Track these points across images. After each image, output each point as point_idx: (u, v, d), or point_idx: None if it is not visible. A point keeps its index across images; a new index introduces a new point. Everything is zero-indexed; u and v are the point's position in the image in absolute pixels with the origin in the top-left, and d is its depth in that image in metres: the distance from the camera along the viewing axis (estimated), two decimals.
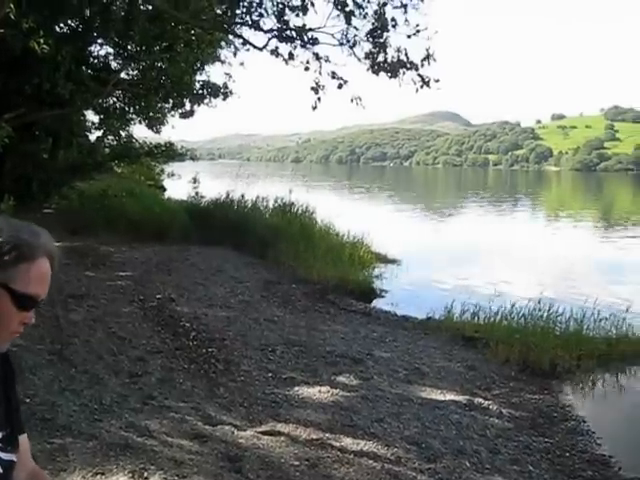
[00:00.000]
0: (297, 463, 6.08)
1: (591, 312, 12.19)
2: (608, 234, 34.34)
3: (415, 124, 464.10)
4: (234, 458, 6.05)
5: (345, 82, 11.28)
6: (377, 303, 15.14)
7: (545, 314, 12.00)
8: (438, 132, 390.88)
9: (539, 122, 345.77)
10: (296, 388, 8.20)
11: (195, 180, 24.83)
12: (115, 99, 24.00)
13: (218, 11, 13.65)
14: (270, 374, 8.68)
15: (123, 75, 21.28)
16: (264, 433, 6.70)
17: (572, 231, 35.37)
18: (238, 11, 13.11)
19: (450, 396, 8.53)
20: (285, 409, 7.47)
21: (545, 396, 9.23)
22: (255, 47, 12.70)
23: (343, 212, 23.62)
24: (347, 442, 6.68)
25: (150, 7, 15.12)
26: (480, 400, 8.53)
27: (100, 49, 21.22)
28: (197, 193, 24.10)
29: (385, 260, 20.46)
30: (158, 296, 12.32)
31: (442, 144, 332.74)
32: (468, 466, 6.51)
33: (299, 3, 11.42)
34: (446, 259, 22.80)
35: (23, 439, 2.23)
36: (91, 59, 20.99)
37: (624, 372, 10.81)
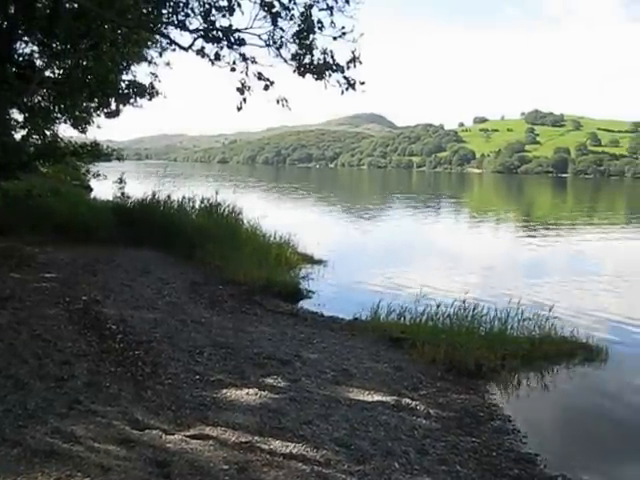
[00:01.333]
0: (226, 467, 6.03)
1: (515, 312, 12.43)
2: (530, 235, 35.08)
3: (340, 126, 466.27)
4: (162, 463, 5.96)
5: (271, 83, 11.25)
6: (304, 304, 15.14)
7: (470, 314, 12.20)
8: (363, 134, 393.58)
9: (462, 125, 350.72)
10: (224, 390, 8.14)
11: (121, 180, 24.46)
12: (40, 98, 23.44)
13: (144, 10, 13.46)
14: (198, 376, 8.59)
15: (48, 73, 20.79)
16: (193, 437, 6.63)
17: (495, 232, 36.08)
18: (164, 10, 12.98)
19: (378, 397, 8.58)
20: (213, 412, 7.40)
21: (471, 396, 9.38)
22: (181, 47, 12.58)
23: (269, 213, 23.55)
24: (276, 445, 6.66)
25: (75, 5, 14.84)
26: (407, 400, 8.60)
27: (24, 47, 20.72)
28: (123, 193, 23.74)
29: (312, 261, 20.51)
30: (84, 298, 12.08)
31: (367, 146, 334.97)
32: (397, 467, 6.55)
33: (225, 4, 11.37)
34: (372, 259, 22.98)
35: None
36: (15, 57, 20.48)
37: (548, 371, 11.06)
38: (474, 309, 12.34)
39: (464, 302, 12.54)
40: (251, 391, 8.17)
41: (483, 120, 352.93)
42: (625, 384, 10.81)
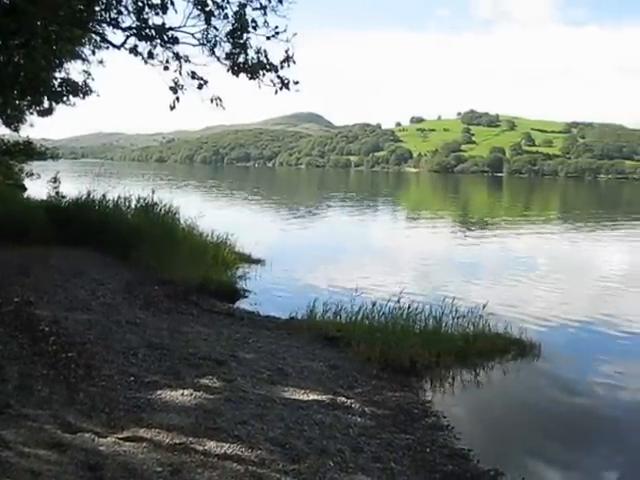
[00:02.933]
0: (160, 469, 5.96)
1: (449, 310, 12.60)
2: (466, 234, 35.58)
3: (279, 125, 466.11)
4: (94, 467, 5.86)
5: (205, 82, 11.19)
6: (241, 304, 15.14)
7: (405, 313, 12.30)
8: (301, 133, 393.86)
9: (399, 125, 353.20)
10: (159, 392, 8.06)
11: (55, 179, 24.00)
12: None
13: (76, 7, 13.25)
14: (132, 378, 8.48)
15: None
16: (126, 439, 6.54)
17: (431, 231, 36.43)
18: (97, 8, 12.80)
19: (313, 396, 8.60)
20: (148, 413, 7.32)
21: (406, 393, 9.48)
22: (113, 45, 12.43)
23: (207, 212, 23.43)
24: (211, 445, 6.62)
25: (6, 1, 14.53)
26: (343, 399, 8.64)
27: None
28: (58, 193, 23.30)
29: (249, 260, 20.49)
30: (16, 299, 11.80)
31: (305, 145, 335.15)
32: (332, 465, 6.57)
33: (159, 2, 11.25)
34: (309, 259, 23.03)
35: None
36: None
37: (481, 367, 11.24)
38: (409, 307, 12.46)
39: (399, 300, 12.65)
40: (186, 392, 8.10)
41: (420, 120, 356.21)
42: (557, 379, 11.02)
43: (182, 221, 21.22)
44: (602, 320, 15.08)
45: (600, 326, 14.63)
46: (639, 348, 13.35)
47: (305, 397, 8.53)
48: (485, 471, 7.27)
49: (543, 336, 12.85)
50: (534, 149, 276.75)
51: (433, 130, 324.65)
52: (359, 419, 8.04)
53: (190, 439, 6.70)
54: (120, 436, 6.59)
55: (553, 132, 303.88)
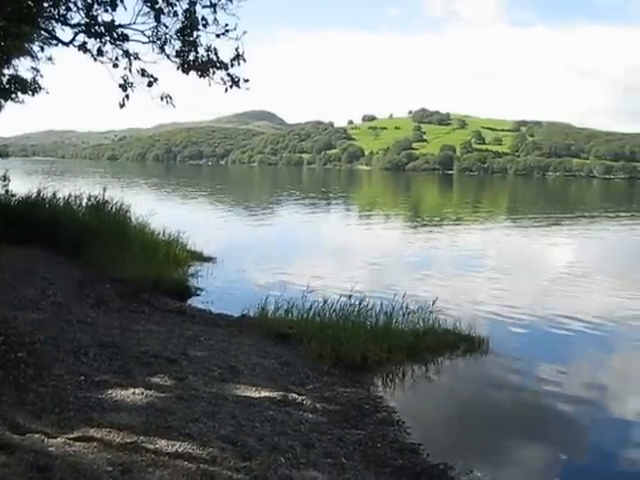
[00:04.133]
0: (110, 469, 5.92)
1: (400, 306, 12.72)
2: (416, 231, 35.92)
3: (231, 123, 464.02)
4: (43, 468, 5.79)
5: (155, 80, 11.10)
6: (192, 302, 15.12)
7: (356, 309, 12.41)
8: (254, 131, 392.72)
9: (351, 123, 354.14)
10: (109, 391, 8.00)
11: (5, 177, 23.61)
12: None
13: (24, 3, 13.05)
14: (83, 377, 8.40)
15: None
16: (76, 439, 6.49)
17: (383, 228, 36.65)
18: (45, 4, 12.62)
19: (265, 393, 8.63)
20: (98, 413, 7.27)
21: (357, 389, 9.57)
22: (62, 42, 12.26)
23: (159, 210, 23.31)
24: (162, 444, 6.59)
25: None
26: (294, 396, 8.69)
27: None
28: (7, 191, 22.92)
29: (201, 258, 20.46)
30: None
31: (258, 143, 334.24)
32: (283, 462, 6.60)
33: None
34: (261, 256, 23.00)
35: None
36: None
37: (431, 363, 11.39)
38: (360, 304, 12.57)
39: (350, 297, 12.74)
40: (137, 391, 8.07)
41: (372, 118, 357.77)
42: (504, 374, 11.23)
43: (133, 219, 21.08)
44: (548, 315, 15.36)
45: (546, 321, 14.89)
46: (582, 342, 13.62)
47: (257, 394, 8.55)
48: (435, 465, 7.38)
49: (491, 332, 13.04)
50: (484, 147, 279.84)
51: (385, 128, 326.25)
52: (310, 415, 8.10)
53: (141, 438, 6.67)
54: (70, 436, 6.54)
55: (503, 130, 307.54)
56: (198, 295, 15.81)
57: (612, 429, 9.42)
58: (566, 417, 9.60)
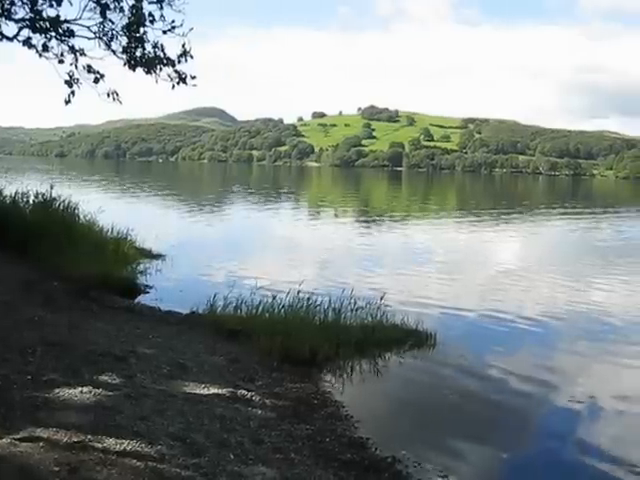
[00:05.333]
0: (57, 469, 5.86)
1: (349, 301, 12.78)
2: (366, 227, 36.10)
3: (181, 120, 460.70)
4: None
5: (102, 76, 11.02)
6: (142, 299, 15.02)
7: (305, 305, 12.44)
8: (204, 128, 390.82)
9: (301, 120, 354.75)
10: (57, 390, 7.91)
11: None
12: None
13: None
14: (29, 377, 8.28)
15: None
16: (22, 440, 6.40)
17: (332, 224, 36.83)
18: None
19: (214, 390, 8.63)
20: (45, 413, 7.18)
21: (306, 384, 9.61)
22: (5, 37, 12.08)
23: (108, 207, 23.07)
24: (110, 443, 6.54)
25: None
26: (243, 392, 8.69)
27: None
28: None
29: (150, 255, 20.32)
30: None
31: (208, 140, 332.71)
32: (232, 458, 6.60)
33: None
34: (211, 253, 22.96)
35: None
36: None
37: (380, 358, 11.50)
38: (309, 300, 12.59)
39: (299, 293, 12.77)
40: (85, 389, 7.98)
41: (321, 115, 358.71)
42: (451, 368, 11.35)
43: (82, 217, 20.82)
44: (494, 310, 15.59)
45: (492, 315, 15.12)
46: (527, 336, 13.85)
47: (205, 391, 8.55)
48: (383, 458, 7.46)
49: (438, 326, 13.18)
50: (432, 144, 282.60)
51: (334, 125, 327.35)
52: (259, 411, 8.12)
53: (89, 437, 6.61)
54: (16, 437, 6.45)
55: (451, 127, 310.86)
56: (147, 292, 15.71)
57: (556, 421, 9.62)
58: (511, 410, 9.75)
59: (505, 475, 7.96)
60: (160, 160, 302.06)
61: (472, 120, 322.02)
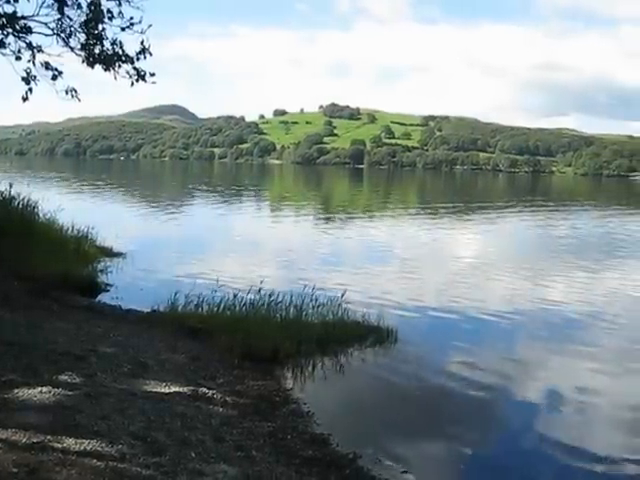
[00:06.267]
0: (16, 470, 5.78)
1: (310, 299, 12.85)
2: (327, 224, 36.18)
3: (142, 117, 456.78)
4: None
5: (60, 73, 10.93)
6: (102, 298, 14.95)
7: (266, 302, 12.48)
8: (165, 125, 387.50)
9: (262, 117, 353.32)
10: (16, 390, 7.82)
11: None
12: None
13: None
14: None
15: None
16: None
17: (294, 221, 36.84)
18: None
19: (175, 388, 8.60)
20: (4, 413, 7.09)
21: (267, 382, 9.63)
22: None
23: (68, 206, 22.86)
24: (70, 443, 6.48)
25: None
26: (205, 390, 8.68)
27: None
28: None
29: (111, 254, 20.18)
30: None
31: (169, 137, 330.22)
32: (193, 456, 6.58)
33: None
34: (173, 251, 22.88)
35: None
36: None
37: (341, 354, 11.55)
38: (270, 297, 12.64)
39: (260, 291, 12.79)
40: (44, 389, 7.91)
41: (283, 113, 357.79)
42: (412, 364, 11.44)
43: (41, 215, 20.59)
44: (455, 305, 15.77)
45: (453, 311, 15.28)
46: (487, 331, 14.05)
47: (167, 389, 8.52)
48: (344, 454, 7.50)
49: (399, 322, 13.29)
50: (393, 141, 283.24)
51: (296, 123, 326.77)
52: (221, 409, 8.12)
53: (48, 437, 6.55)
54: None
55: (412, 125, 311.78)
56: (108, 291, 15.63)
57: (517, 415, 9.74)
58: (473, 404, 9.88)
59: (467, 469, 8.02)
60: (122, 158, 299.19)
61: (433, 117, 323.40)
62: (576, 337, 13.72)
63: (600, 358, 12.26)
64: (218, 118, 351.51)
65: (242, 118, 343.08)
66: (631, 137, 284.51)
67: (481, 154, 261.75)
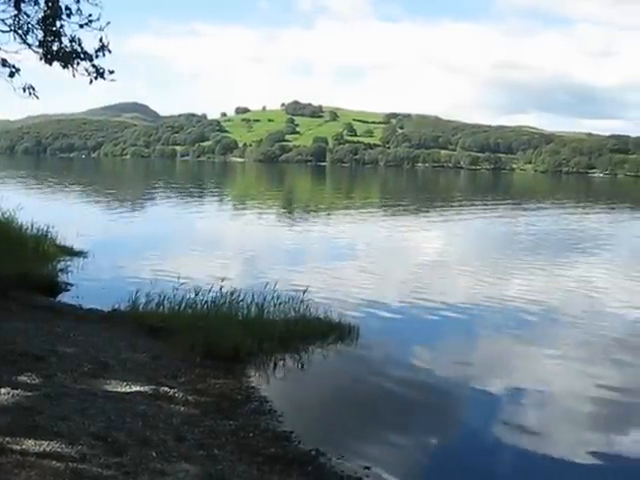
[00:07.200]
0: None
1: (272, 296, 12.87)
2: (290, 222, 36.19)
3: (103, 115, 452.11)
4: None
5: (17, 70, 10.81)
6: (62, 297, 14.83)
7: (228, 300, 12.47)
8: (126, 123, 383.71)
9: (224, 115, 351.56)
10: None
11: None
12: None
13: None
14: None
15: None
16: None
17: (257, 219, 36.79)
18: None
19: (136, 387, 8.55)
20: None
21: (229, 380, 9.61)
22: None
23: (27, 205, 22.57)
24: (29, 444, 6.40)
25: None
26: (166, 389, 8.64)
27: None
28: None
29: (71, 253, 19.99)
30: None
31: (130, 135, 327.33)
32: (155, 456, 6.54)
33: None
34: (134, 250, 22.76)
35: None
36: None
37: (303, 352, 11.56)
38: (232, 295, 12.63)
39: (222, 289, 12.77)
40: (3, 390, 7.81)
41: (245, 110, 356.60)
42: (374, 360, 11.54)
43: (0, 214, 20.35)
44: (416, 302, 15.88)
45: (414, 307, 15.41)
46: (449, 326, 14.19)
47: (128, 389, 8.47)
48: (306, 451, 7.52)
49: (361, 319, 13.39)
50: (356, 139, 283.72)
51: (258, 120, 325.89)
52: (182, 408, 8.09)
53: (7, 439, 6.47)
54: None
55: (373, 123, 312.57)
56: (68, 290, 15.49)
57: (478, 409, 9.84)
58: (435, 399, 9.96)
59: (429, 463, 8.09)
60: (83, 156, 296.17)
61: (394, 115, 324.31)
62: (534, 332, 13.93)
63: (558, 352, 12.44)
64: (179, 116, 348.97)
65: (204, 116, 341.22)
66: (590, 134, 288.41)
67: (442, 152, 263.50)
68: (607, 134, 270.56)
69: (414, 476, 7.68)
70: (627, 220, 44.78)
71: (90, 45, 10.85)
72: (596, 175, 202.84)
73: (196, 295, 12.63)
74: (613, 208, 57.15)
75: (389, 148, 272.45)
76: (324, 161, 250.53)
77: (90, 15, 10.64)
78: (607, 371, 11.54)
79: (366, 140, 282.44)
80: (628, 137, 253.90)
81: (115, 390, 8.37)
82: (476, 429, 9.07)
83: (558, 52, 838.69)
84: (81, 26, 10.62)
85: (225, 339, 10.73)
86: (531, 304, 16.11)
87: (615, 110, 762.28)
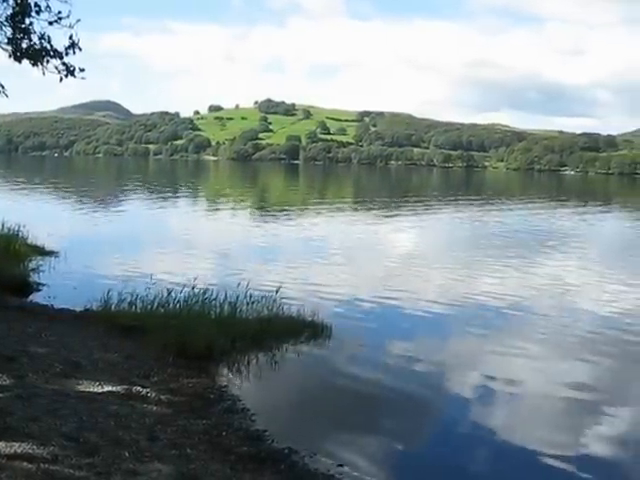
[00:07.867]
0: None
1: (245, 295, 12.84)
2: (263, 220, 36.16)
3: (74, 113, 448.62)
4: None
5: None
6: (34, 297, 14.73)
7: (200, 299, 12.44)
8: (99, 122, 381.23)
9: (197, 113, 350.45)
10: None
11: None
12: None
13: None
14: None
15: None
16: None
17: (230, 218, 36.76)
18: None
19: (108, 387, 8.52)
20: None
21: (202, 379, 9.60)
22: None
23: None
24: (0, 446, 6.38)
25: None
26: (138, 389, 8.62)
27: None
28: None
29: (43, 252, 19.85)
30: None
31: (103, 134, 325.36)
32: (127, 456, 6.51)
33: None
34: (106, 249, 22.63)
35: None
36: None
37: (276, 350, 11.57)
38: (205, 294, 12.61)
39: (194, 288, 12.75)
40: None
41: (218, 108, 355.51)
42: (347, 358, 11.57)
43: None
44: (389, 300, 15.95)
45: (387, 306, 15.47)
46: (423, 324, 14.24)
47: (100, 389, 8.43)
48: (279, 450, 7.53)
49: (335, 317, 13.40)
50: (329, 137, 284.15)
51: (231, 119, 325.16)
52: (155, 408, 8.06)
53: None
54: None
55: (347, 121, 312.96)
56: (40, 290, 15.38)
57: (450, 407, 9.90)
58: (406, 398, 9.99)
59: (401, 461, 8.12)
60: (55, 154, 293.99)
61: (367, 113, 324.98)
62: (505, 330, 14.07)
63: (528, 350, 12.54)
64: (152, 114, 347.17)
65: (177, 114, 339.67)
66: (561, 132, 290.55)
67: (415, 149, 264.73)
68: (578, 132, 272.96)
69: (386, 473, 7.69)
70: (597, 218, 45.14)
71: (60, 43, 10.77)
72: (567, 173, 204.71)
73: (169, 294, 12.60)
74: (584, 206, 57.59)
75: (362, 146, 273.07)
76: (297, 159, 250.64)
77: (60, 12, 10.56)
78: (576, 369, 11.66)
79: (339, 138, 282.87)
80: (599, 135, 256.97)
81: (87, 390, 8.33)
82: (447, 428, 9.13)
83: (529, 50, 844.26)
84: (50, 23, 10.53)
85: (198, 338, 10.71)
86: (502, 302, 16.22)
87: (585, 108, 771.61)
